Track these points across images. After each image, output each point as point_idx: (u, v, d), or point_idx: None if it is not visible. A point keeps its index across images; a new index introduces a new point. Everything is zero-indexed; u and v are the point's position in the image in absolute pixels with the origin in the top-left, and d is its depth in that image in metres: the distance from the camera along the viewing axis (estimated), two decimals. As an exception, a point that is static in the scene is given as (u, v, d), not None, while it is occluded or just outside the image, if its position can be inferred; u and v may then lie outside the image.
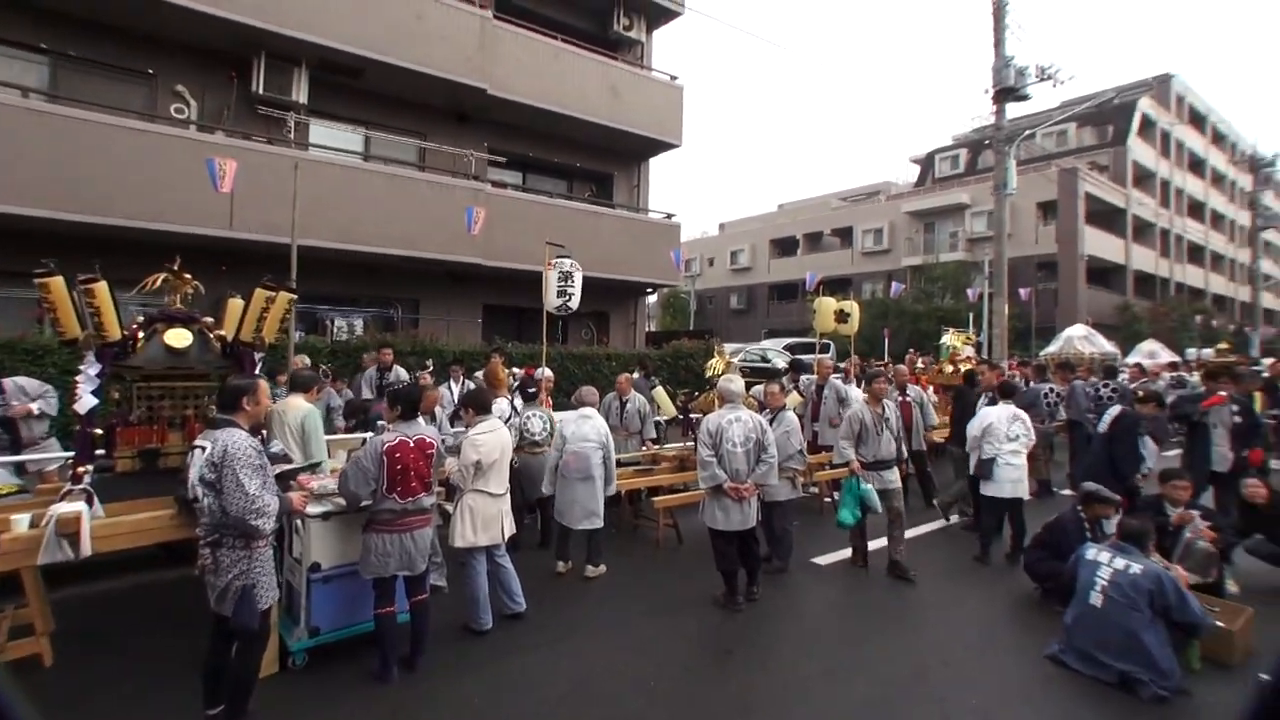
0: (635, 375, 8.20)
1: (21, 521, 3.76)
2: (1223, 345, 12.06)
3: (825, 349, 15.54)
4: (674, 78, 15.34)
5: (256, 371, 4.91)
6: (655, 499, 6.63)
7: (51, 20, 9.24)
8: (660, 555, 6.30)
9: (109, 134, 8.80)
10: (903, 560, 5.67)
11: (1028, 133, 18.41)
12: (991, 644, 4.50)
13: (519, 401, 7.23)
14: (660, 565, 6.02)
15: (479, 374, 8.24)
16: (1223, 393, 6.55)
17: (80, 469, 4.07)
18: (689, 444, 7.42)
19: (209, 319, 4.75)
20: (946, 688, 3.88)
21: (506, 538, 4.60)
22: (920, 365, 11.93)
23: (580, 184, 15.54)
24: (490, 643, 4.34)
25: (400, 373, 8.24)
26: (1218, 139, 41.62)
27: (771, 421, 5.70)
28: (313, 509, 3.97)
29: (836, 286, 28.88)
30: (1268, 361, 11.51)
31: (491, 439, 4.52)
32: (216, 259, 7.38)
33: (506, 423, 5.57)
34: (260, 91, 10.33)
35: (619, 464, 6.98)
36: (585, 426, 5.60)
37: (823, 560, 5.98)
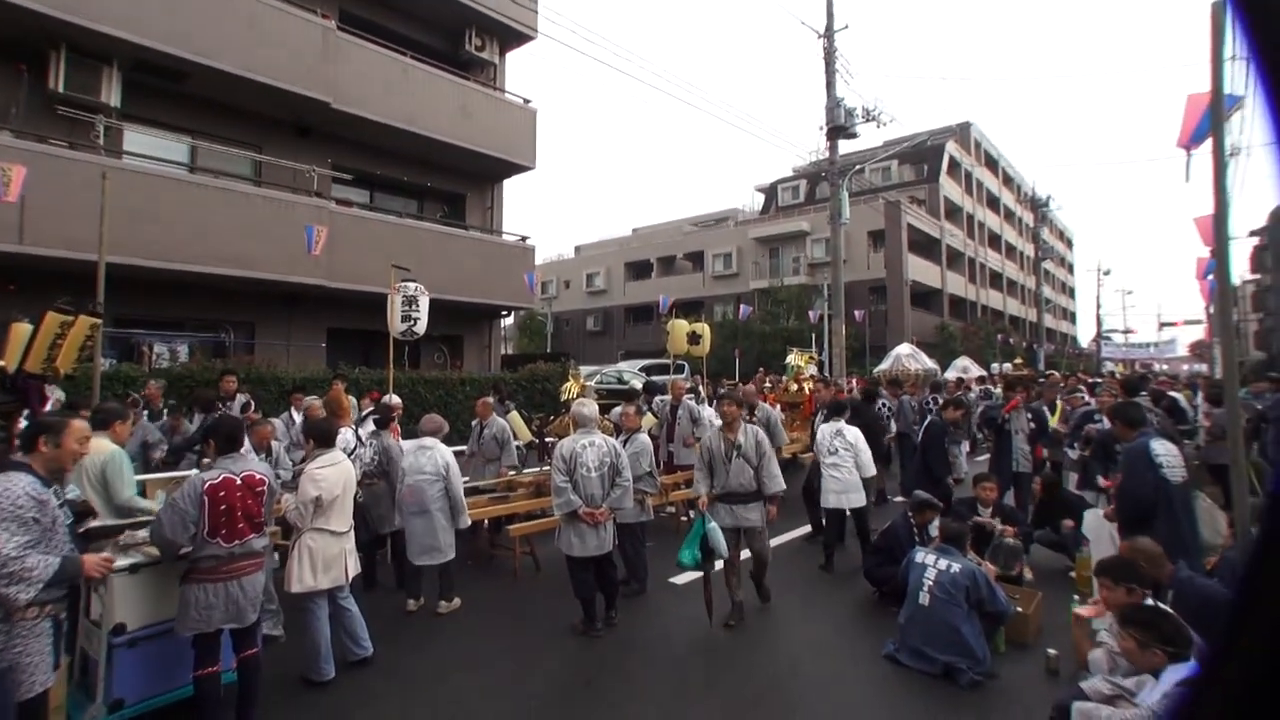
0: (491, 399, 8.08)
1: None
2: (1018, 360, 13.96)
3: (680, 370, 16.15)
4: (527, 101, 15.45)
5: (48, 407, 4.36)
6: (510, 527, 6.54)
7: None
8: (518, 585, 6.20)
9: None
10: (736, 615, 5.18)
11: (858, 167, 20.40)
12: (837, 649, 4.83)
13: (365, 430, 6.89)
14: (518, 595, 5.93)
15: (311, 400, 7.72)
16: (1017, 398, 7.59)
17: None
18: (545, 469, 7.41)
19: (-14, 349, 4.14)
20: (799, 695, 4.15)
21: (350, 578, 4.35)
22: (769, 384, 12.72)
23: (431, 204, 15.15)
24: (333, 694, 4.07)
25: (247, 401, 7.52)
26: (1007, 180, 48.43)
27: (625, 443, 5.84)
28: (119, 561, 3.53)
29: (689, 309, 30.14)
30: (1052, 374, 13.43)
31: (333, 472, 4.28)
32: (3, 277, 6.38)
33: (351, 454, 5.29)
34: (60, 90, 9.17)
35: (477, 491, 6.86)
36: (423, 458, 5.38)
37: (680, 580, 6.14)
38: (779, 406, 11.08)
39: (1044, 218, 41.81)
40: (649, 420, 8.04)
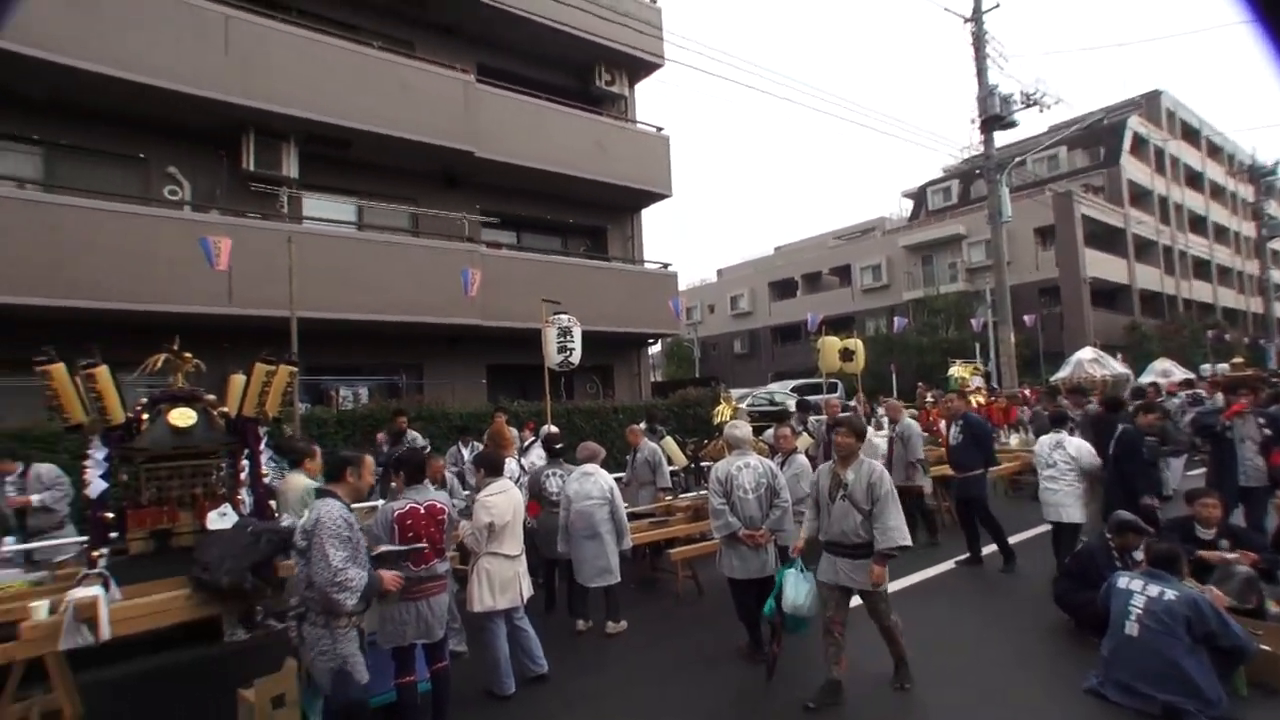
0: (642, 426, 8.14)
1: (41, 609, 3.68)
2: (1237, 359, 11.98)
3: (833, 388, 15.53)
4: (659, 129, 15.72)
5: (261, 446, 4.91)
6: (671, 551, 6.49)
7: (44, 112, 9.36)
8: (681, 608, 6.16)
9: (100, 219, 8.85)
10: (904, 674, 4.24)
11: (1018, 159, 18.71)
12: (1029, 680, 4.33)
13: (529, 460, 7.18)
14: (682, 618, 5.88)
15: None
16: (1243, 401, 6.47)
17: (95, 554, 4.03)
18: (702, 493, 7.32)
19: (212, 396, 4.76)
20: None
21: (525, 599, 4.49)
22: (930, 399, 11.86)
23: (575, 239, 15.75)
24: (514, 707, 4.23)
25: (417, 437, 8.13)
26: (1214, 151, 41.58)
27: (783, 465, 5.63)
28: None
29: (839, 325, 28.87)
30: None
31: (503, 500, 4.47)
32: (218, 336, 7.41)
33: (516, 483, 5.49)
34: (251, 168, 10.48)
35: (636, 516, 6.91)
36: (587, 484, 5.52)
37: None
38: (943, 422, 10.27)
39: (1269, 189, 35.02)
40: (805, 441, 7.72)
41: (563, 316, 7.85)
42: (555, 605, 6.12)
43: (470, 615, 4.53)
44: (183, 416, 4.40)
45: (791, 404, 13.79)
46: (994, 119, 15.50)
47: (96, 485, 4.12)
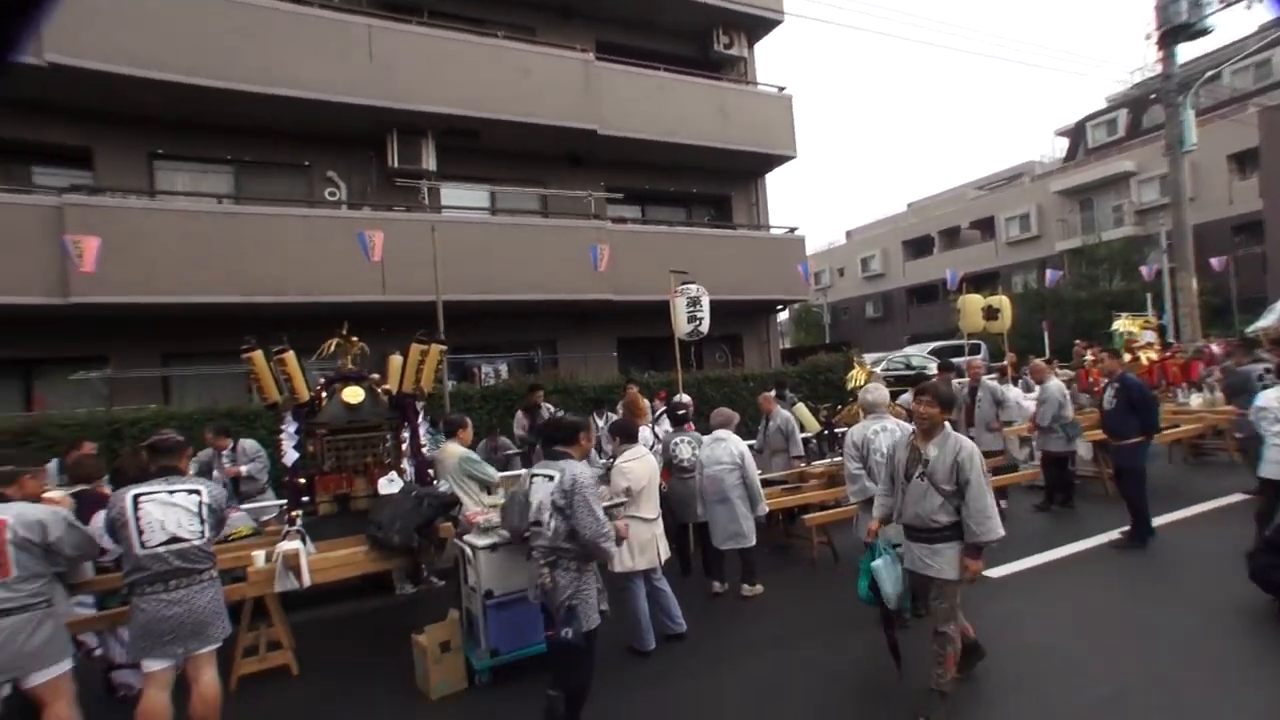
0: (772, 394, 8.07)
1: (259, 558, 4.43)
2: None
3: (975, 350, 14.51)
4: (781, 89, 15.20)
5: (419, 420, 5.39)
6: (805, 517, 6.44)
7: (231, 134, 10.72)
8: (817, 574, 6.15)
9: (280, 223, 10.06)
10: (934, 706, 3.49)
11: (1210, 73, 16.15)
12: (1229, 670, 3.87)
13: (662, 429, 7.36)
14: (817, 584, 5.87)
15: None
16: None
17: (293, 513, 4.66)
18: (836, 460, 7.18)
19: (375, 376, 5.29)
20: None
21: (662, 561, 4.66)
22: (1090, 357, 10.79)
23: (699, 209, 15.69)
24: (654, 663, 4.44)
25: (550, 410, 8.56)
26: None
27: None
28: (481, 541, 4.28)
29: (982, 282, 26.80)
30: None
31: (639, 466, 4.64)
32: (376, 321, 8.16)
33: (650, 450, 5.66)
34: (395, 165, 11.36)
35: (769, 483, 6.91)
36: (718, 449, 5.58)
37: (995, 573, 5.49)
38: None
39: None
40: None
41: (691, 286, 7.89)
42: (690, 569, 6.27)
43: (611, 576, 4.76)
44: (353, 394, 4.94)
45: (932, 367, 13.04)
46: (1178, 29, 13.42)
47: (290, 455, 4.75)
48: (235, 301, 9.44)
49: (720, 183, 15.24)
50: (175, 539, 3.42)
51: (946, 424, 3.68)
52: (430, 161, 11.49)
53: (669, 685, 4.11)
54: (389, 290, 10.16)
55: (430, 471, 5.40)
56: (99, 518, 3.83)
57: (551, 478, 3.54)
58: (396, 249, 9.31)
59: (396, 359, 5.32)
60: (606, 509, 3.88)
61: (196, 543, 3.48)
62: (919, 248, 37.86)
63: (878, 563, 3.78)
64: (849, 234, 47.25)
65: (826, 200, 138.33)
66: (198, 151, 10.78)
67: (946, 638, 3.47)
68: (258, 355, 4.63)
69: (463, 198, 12.74)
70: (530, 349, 12.74)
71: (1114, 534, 6.31)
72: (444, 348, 5.41)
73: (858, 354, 12.52)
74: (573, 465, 3.59)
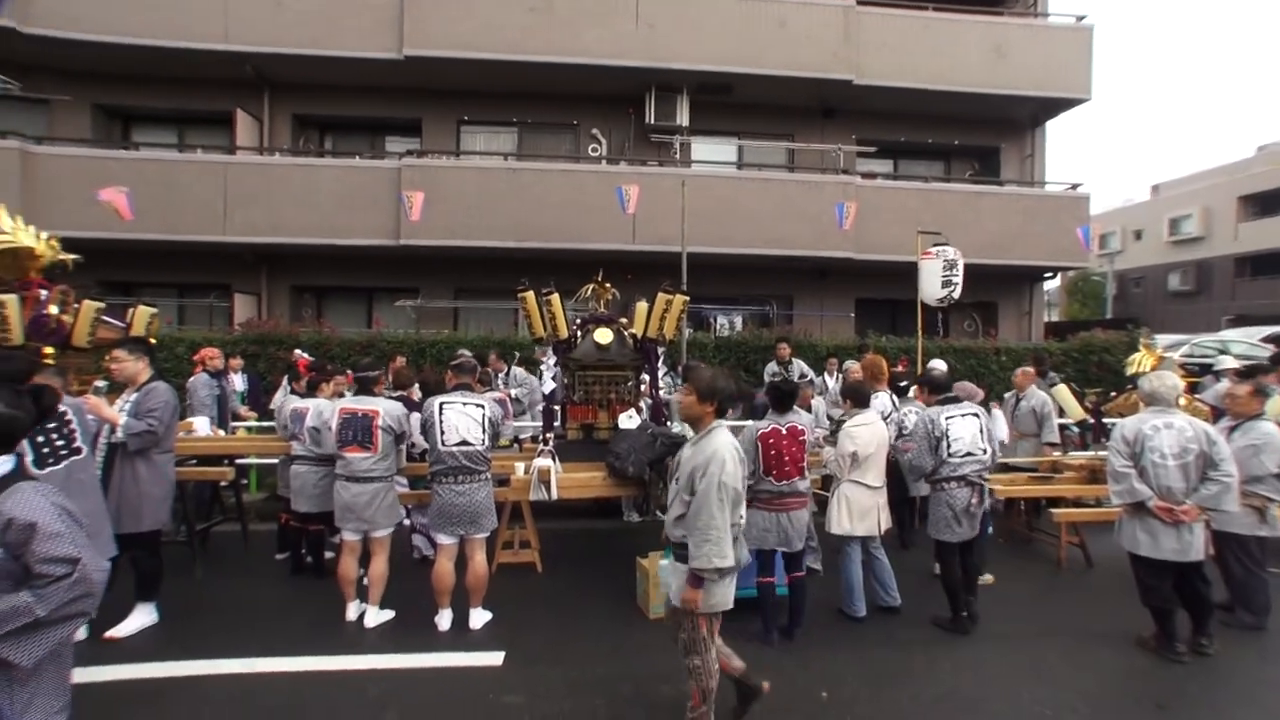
0: (1030, 370, 7.27)
1: (519, 468, 5.23)
2: None
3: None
4: (1080, 18, 12.99)
5: (659, 364, 5.82)
6: (1054, 511, 5.83)
7: (516, 100, 12.21)
8: (1062, 577, 5.59)
9: (549, 178, 11.25)
10: None
11: None
12: None
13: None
14: (1062, 588, 5.35)
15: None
16: None
17: (547, 434, 5.40)
18: (1101, 453, 6.32)
19: (624, 320, 5.80)
20: None
21: (882, 530, 4.61)
22: None
23: (959, 163, 14.24)
24: (863, 630, 4.44)
25: (800, 365, 8.62)
26: None
27: (1233, 431, 4.55)
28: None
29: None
30: None
31: (867, 431, 4.58)
32: (624, 269, 8.83)
33: (886, 418, 5.51)
34: (651, 122, 11.98)
35: (1010, 469, 6.36)
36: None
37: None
38: None
39: None
40: (1277, 405, 5.97)
41: (948, 248, 7.32)
42: (909, 545, 6.06)
43: (828, 538, 4.82)
44: (604, 335, 5.51)
45: (1263, 357, 10.64)
46: None
47: (548, 384, 5.48)
48: (511, 246, 10.88)
49: (988, 133, 13.63)
50: (465, 442, 4.21)
51: (717, 420, 3.08)
52: (684, 117, 11.92)
53: (875, 653, 4.09)
54: (638, 240, 10.89)
55: (665, 411, 5.84)
56: (414, 418, 4.80)
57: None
58: (647, 201, 9.94)
59: (642, 305, 5.77)
60: None
61: (479, 448, 4.26)
62: (1265, 204, 30.10)
63: (663, 563, 3.39)
64: (1156, 189, 39.21)
65: (1127, 149, 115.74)
66: (491, 116, 12.51)
67: (690, 672, 3.07)
68: (530, 295, 5.36)
69: (711, 152, 13.04)
70: (766, 303, 12.82)
71: None
72: (686, 298, 5.72)
73: (1146, 334, 10.67)
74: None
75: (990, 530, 5.20)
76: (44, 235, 4.83)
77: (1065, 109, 13.32)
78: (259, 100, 11.84)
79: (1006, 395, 7.18)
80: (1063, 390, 7.49)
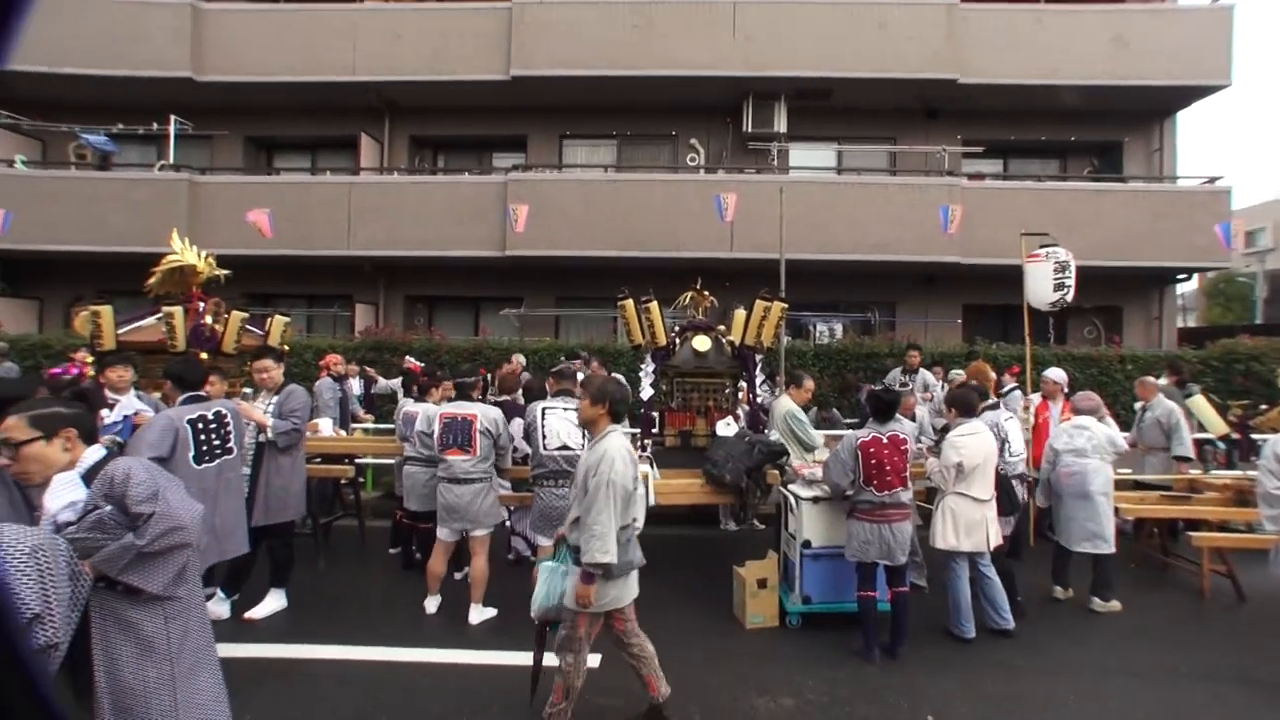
0: (1161, 380, 6.71)
1: None
2: None
3: None
4: (1219, -2, 11.89)
5: (756, 371, 5.81)
6: (1193, 535, 5.34)
7: (616, 113, 12.49)
8: (1203, 607, 5.11)
9: (648, 188, 11.47)
10: None
11: None
12: None
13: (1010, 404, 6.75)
14: (1208, 623, 4.86)
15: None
16: None
17: (645, 440, 5.50)
18: (1249, 472, 5.75)
19: (721, 327, 5.83)
20: None
21: (992, 546, 4.40)
22: None
23: (1076, 160, 13.31)
24: (972, 653, 4.23)
25: (926, 376, 8.36)
26: None
27: None
28: (804, 492, 4.55)
29: None
30: None
31: (974, 441, 4.39)
32: (721, 276, 8.83)
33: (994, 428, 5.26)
34: (749, 130, 11.95)
35: (1139, 485, 5.91)
36: (1079, 439, 4.97)
37: None
38: None
39: None
40: None
41: (1057, 249, 6.87)
42: (1020, 558, 5.73)
43: (933, 553, 4.64)
44: (702, 342, 5.56)
45: None
46: None
47: (646, 391, 5.58)
48: (611, 255, 11.16)
49: (1109, 127, 12.69)
50: (565, 446, 4.38)
51: (611, 424, 3.18)
52: (781, 124, 11.84)
53: (986, 677, 3.89)
54: (736, 248, 10.91)
55: (763, 419, 5.82)
56: (517, 423, 5.03)
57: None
58: (744, 209, 9.97)
59: (740, 313, 5.77)
60: None
61: (578, 452, 4.39)
62: None
63: (547, 563, 3.33)
64: (1317, 180, 34.95)
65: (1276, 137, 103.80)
66: (592, 130, 12.94)
67: (559, 669, 3.14)
68: (629, 304, 5.49)
69: (810, 158, 12.92)
70: (868, 310, 12.48)
71: None
72: (785, 305, 5.69)
73: (1304, 341, 9.60)
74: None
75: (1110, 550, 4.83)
76: (203, 254, 5.45)
77: (1201, 97, 12.20)
78: (380, 124, 12.78)
79: (1138, 406, 6.66)
80: (1200, 402, 6.86)
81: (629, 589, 3.18)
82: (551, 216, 11.03)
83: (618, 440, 3.14)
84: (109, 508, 2.13)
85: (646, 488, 5.01)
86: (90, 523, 2.09)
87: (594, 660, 3.97)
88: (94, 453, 2.24)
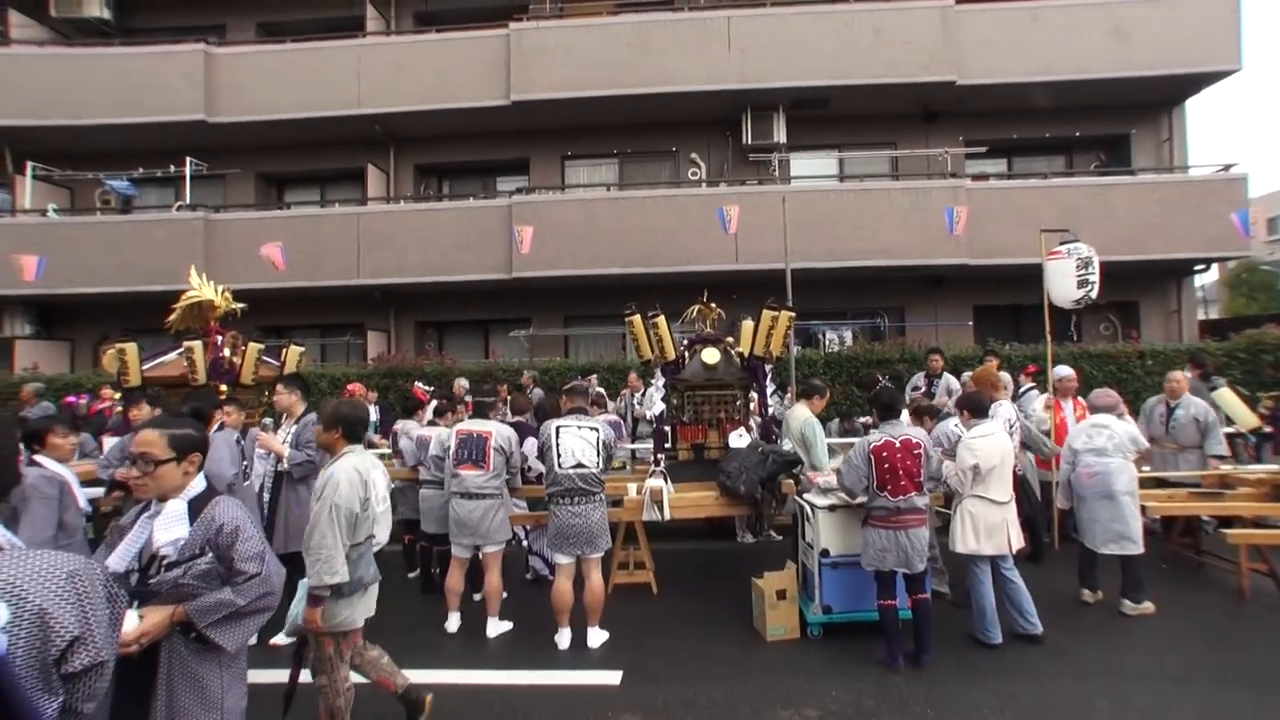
0: (1188, 375, 6.58)
1: (631, 489, 5.34)
2: None
3: None
4: (1223, -18, 11.79)
5: (766, 381, 5.79)
6: (1229, 532, 5.18)
7: (616, 132, 12.63)
8: (1244, 608, 4.93)
9: (650, 204, 11.52)
10: None
11: None
12: None
13: (1032, 408, 6.70)
14: (1251, 624, 4.67)
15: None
16: None
17: (658, 455, 5.49)
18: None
19: (730, 339, 5.83)
20: None
21: (1014, 549, 4.32)
22: None
23: (1082, 155, 13.21)
24: (1000, 659, 4.13)
25: (950, 381, 8.28)
26: None
27: None
28: (821, 501, 4.51)
29: None
30: None
31: (989, 443, 4.35)
32: (728, 289, 8.85)
33: (1010, 430, 5.20)
34: (749, 141, 12.03)
35: (1164, 484, 5.80)
36: (1099, 438, 4.89)
37: None
38: None
39: None
40: None
41: (1079, 245, 6.78)
42: (1040, 560, 5.64)
43: (954, 557, 4.56)
44: (711, 355, 5.56)
45: None
46: None
47: (657, 406, 5.58)
48: (615, 273, 11.21)
49: (1115, 119, 12.59)
50: (580, 464, 4.37)
51: (348, 445, 3.20)
52: (780, 134, 11.90)
53: (1015, 684, 3.79)
54: (741, 259, 10.92)
55: (775, 430, 5.79)
56: (530, 444, 5.04)
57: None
58: (747, 220, 9.98)
59: (748, 324, 5.78)
60: None
61: (593, 470, 4.40)
62: None
63: (304, 580, 3.15)
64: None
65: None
66: (593, 150, 13.06)
67: (319, 690, 3.13)
68: (637, 319, 5.51)
69: (811, 167, 12.92)
70: (876, 315, 12.40)
71: None
72: (792, 314, 5.68)
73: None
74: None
75: (1139, 551, 4.72)
76: (220, 289, 5.55)
77: (1210, 83, 12.08)
78: (386, 155, 13.00)
79: (1151, 400, 6.53)
80: (1227, 395, 6.72)
81: (363, 608, 3.17)
82: (556, 237, 11.10)
83: (348, 462, 3.13)
84: (210, 555, 2.09)
85: (662, 502, 5.02)
86: (199, 572, 2.06)
87: (611, 678, 3.98)
88: (199, 483, 2.23)
